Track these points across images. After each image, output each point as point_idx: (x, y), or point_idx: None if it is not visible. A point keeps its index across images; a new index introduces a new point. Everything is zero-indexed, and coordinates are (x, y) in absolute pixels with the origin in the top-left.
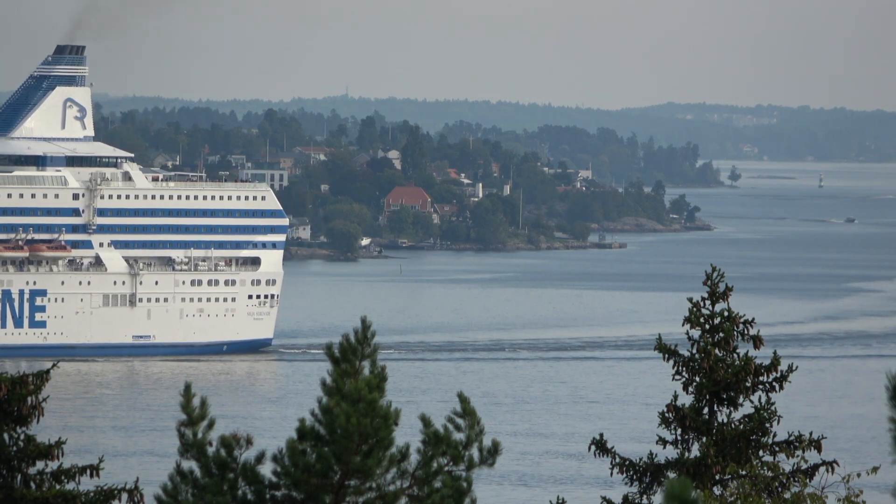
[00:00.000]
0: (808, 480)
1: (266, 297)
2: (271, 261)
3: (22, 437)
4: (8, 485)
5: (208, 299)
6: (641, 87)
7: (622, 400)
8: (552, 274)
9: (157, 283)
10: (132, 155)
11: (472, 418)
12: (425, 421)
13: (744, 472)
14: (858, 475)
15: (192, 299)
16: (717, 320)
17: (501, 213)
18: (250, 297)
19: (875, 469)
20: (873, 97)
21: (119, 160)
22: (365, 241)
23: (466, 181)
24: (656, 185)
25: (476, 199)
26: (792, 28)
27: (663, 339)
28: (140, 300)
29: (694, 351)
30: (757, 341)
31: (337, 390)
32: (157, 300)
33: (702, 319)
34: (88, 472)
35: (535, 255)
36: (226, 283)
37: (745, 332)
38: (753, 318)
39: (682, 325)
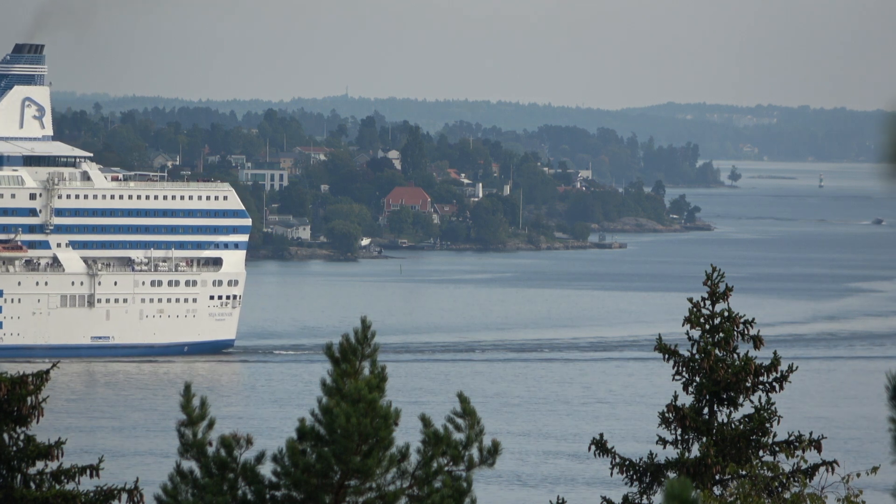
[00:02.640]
0: (808, 480)
1: (228, 297)
2: (233, 261)
3: (22, 437)
4: (8, 485)
5: (168, 300)
6: (642, 87)
7: (622, 400)
8: (552, 274)
9: (116, 283)
10: (91, 154)
11: (472, 418)
12: (425, 421)
13: (744, 472)
14: (858, 475)
15: (152, 300)
16: (717, 320)
17: (501, 213)
18: (212, 297)
19: (875, 469)
20: (873, 97)
21: (78, 160)
22: (365, 242)
23: (466, 181)
24: (656, 185)
25: (476, 199)
26: (792, 28)
27: (663, 340)
28: (99, 301)
29: (694, 351)
30: (757, 341)
31: (337, 390)
32: (117, 301)
33: (702, 319)
34: (88, 472)
35: (535, 255)
36: (186, 283)
37: (746, 332)
38: (753, 319)
39: (683, 325)
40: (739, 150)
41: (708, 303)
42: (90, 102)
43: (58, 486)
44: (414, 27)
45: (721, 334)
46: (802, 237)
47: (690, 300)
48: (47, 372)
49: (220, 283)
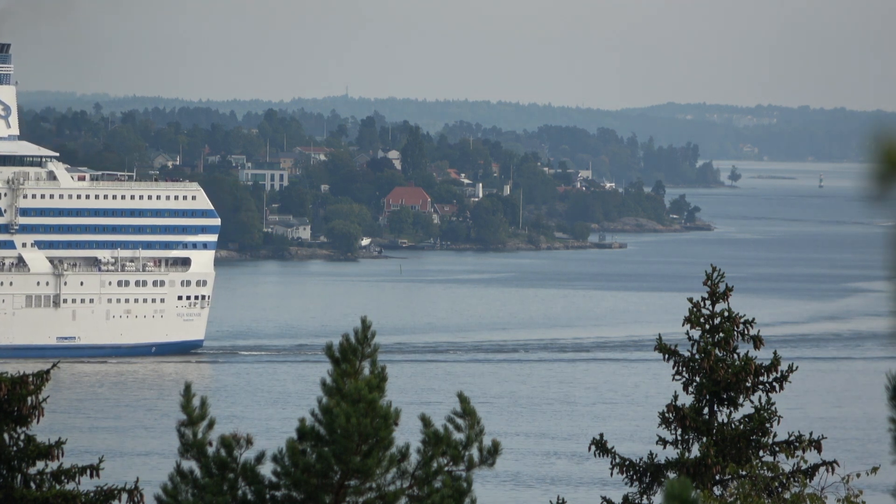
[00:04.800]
0: (808, 480)
1: (197, 298)
2: (202, 261)
3: (22, 437)
4: (8, 485)
5: (136, 300)
6: (641, 87)
7: (622, 400)
8: (552, 274)
9: (82, 283)
10: (57, 154)
11: (472, 418)
12: (425, 421)
13: (744, 472)
14: (858, 475)
15: (119, 300)
16: (717, 320)
17: (501, 213)
18: (180, 298)
19: (875, 469)
20: (873, 97)
21: (43, 159)
22: (365, 241)
23: (466, 181)
24: (656, 186)
25: (476, 199)
26: (792, 28)
27: (663, 340)
28: (65, 301)
29: (694, 351)
30: (757, 341)
31: (337, 390)
32: (83, 301)
33: (702, 319)
34: (88, 472)
35: (535, 255)
36: (154, 283)
37: (746, 332)
38: (753, 319)
39: (683, 325)
40: (739, 150)
41: (708, 303)
42: (90, 102)
43: (58, 486)
44: (414, 27)
45: (721, 334)
46: (802, 237)
47: (690, 300)
48: (47, 372)
49: (189, 283)
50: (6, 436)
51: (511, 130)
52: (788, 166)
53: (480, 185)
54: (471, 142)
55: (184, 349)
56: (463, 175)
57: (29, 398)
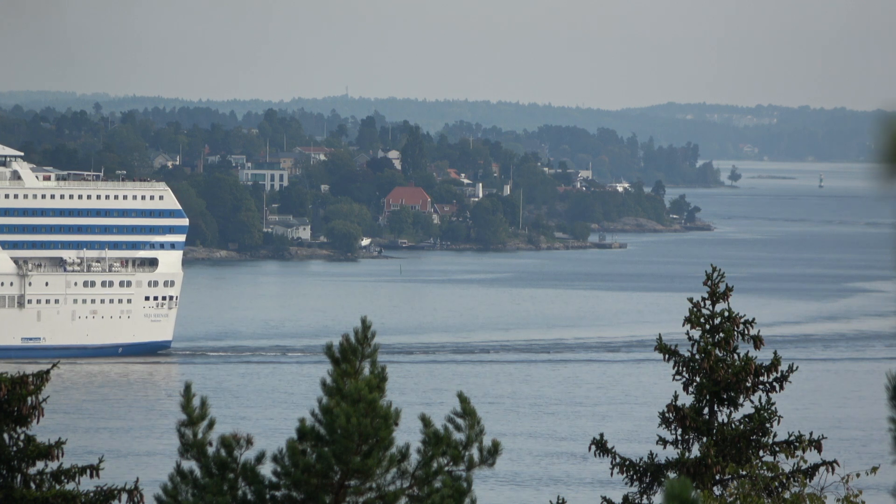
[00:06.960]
0: (807, 480)
1: (164, 298)
2: (170, 261)
3: (22, 437)
4: (8, 485)
5: (102, 301)
6: (641, 87)
7: (622, 400)
8: (552, 274)
9: (47, 284)
10: (22, 154)
11: (472, 418)
12: (425, 421)
13: (744, 472)
14: (858, 475)
15: (84, 301)
16: (717, 320)
17: (501, 213)
18: (147, 298)
19: (875, 469)
20: (873, 97)
21: (8, 159)
22: (365, 241)
23: (466, 181)
24: (656, 186)
25: (476, 199)
26: (792, 28)
27: (663, 340)
28: (29, 301)
29: (694, 351)
30: (757, 341)
31: (337, 390)
32: (48, 301)
33: (702, 319)
34: (88, 472)
35: (535, 255)
36: (121, 284)
37: (746, 332)
38: (754, 319)
39: (683, 325)
40: (739, 150)
41: (708, 303)
42: (90, 102)
43: (58, 486)
44: (414, 27)
45: (721, 334)
46: (802, 237)
47: (690, 300)
48: (47, 372)
49: (156, 283)
50: (6, 436)
51: (511, 130)
52: (788, 166)
53: (480, 185)
54: (471, 142)
55: (151, 350)
56: (463, 175)
57: (29, 398)
